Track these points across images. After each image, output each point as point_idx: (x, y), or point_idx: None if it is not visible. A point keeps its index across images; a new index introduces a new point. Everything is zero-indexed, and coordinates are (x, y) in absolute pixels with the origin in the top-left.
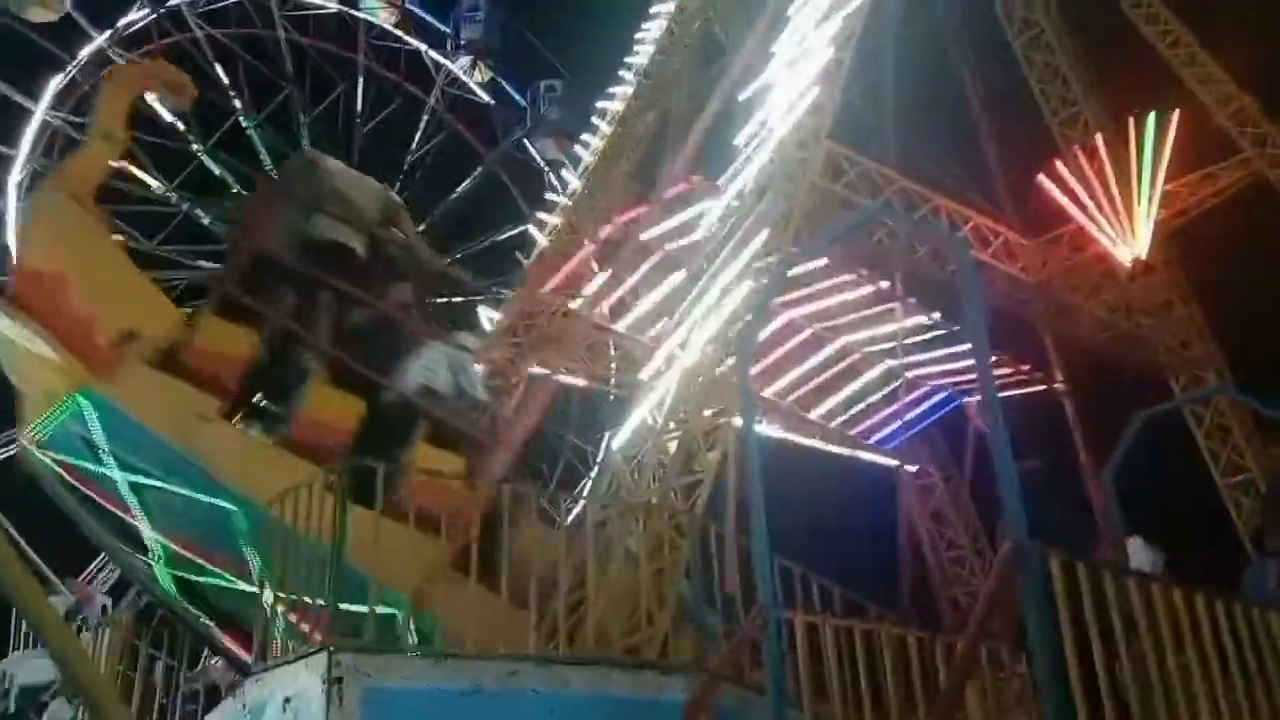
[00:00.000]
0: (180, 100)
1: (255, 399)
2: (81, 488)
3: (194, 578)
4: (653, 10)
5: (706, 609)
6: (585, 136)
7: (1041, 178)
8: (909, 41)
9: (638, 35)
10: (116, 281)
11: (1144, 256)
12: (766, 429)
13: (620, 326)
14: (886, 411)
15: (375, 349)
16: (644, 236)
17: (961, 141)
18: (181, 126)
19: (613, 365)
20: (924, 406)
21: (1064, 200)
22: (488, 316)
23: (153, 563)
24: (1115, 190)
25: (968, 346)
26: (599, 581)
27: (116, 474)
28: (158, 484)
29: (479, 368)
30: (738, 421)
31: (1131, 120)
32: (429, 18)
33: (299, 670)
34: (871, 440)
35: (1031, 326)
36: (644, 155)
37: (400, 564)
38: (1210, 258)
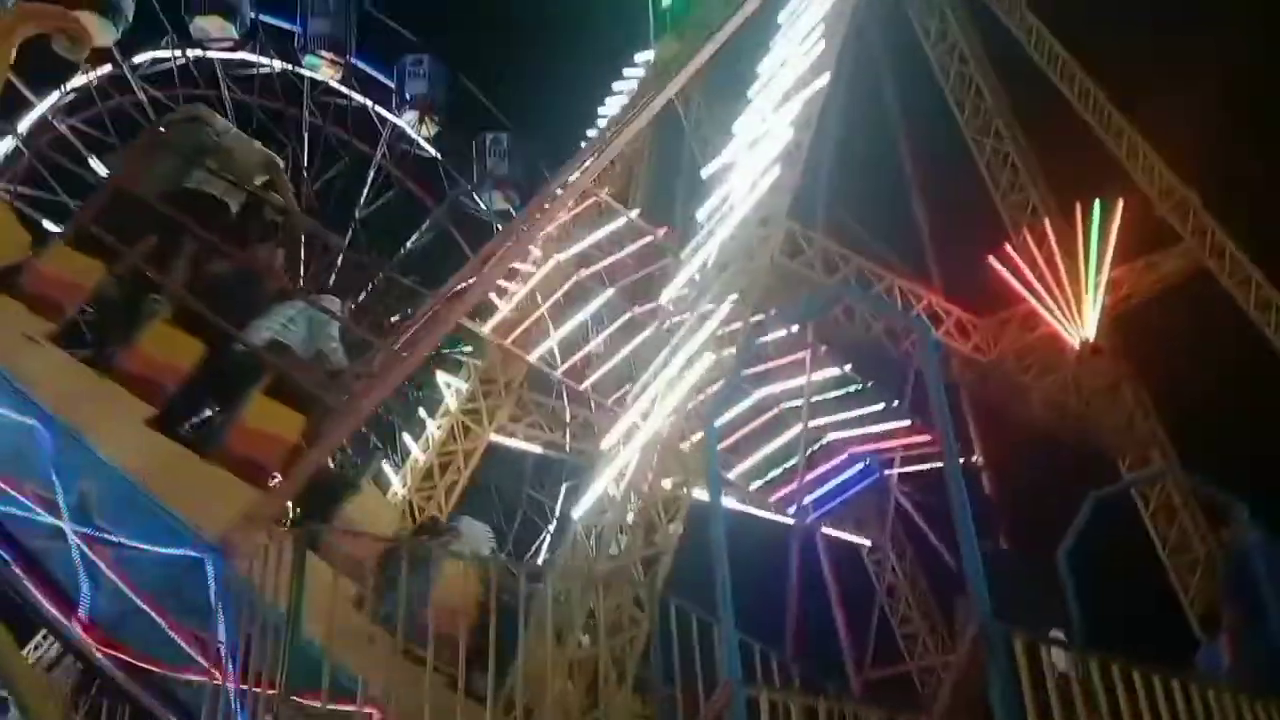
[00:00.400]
0: (76, 50)
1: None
2: None
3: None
4: (615, 86)
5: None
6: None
7: (992, 260)
8: (858, 120)
9: (600, 110)
10: None
11: (1091, 339)
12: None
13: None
14: (808, 478)
15: (233, 300)
16: (558, 257)
17: (912, 222)
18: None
19: (567, 433)
20: (844, 476)
21: (1014, 282)
22: (445, 381)
23: None
24: (1064, 274)
25: (880, 407)
26: (557, 656)
27: None
28: None
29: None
30: (699, 494)
31: (1079, 206)
32: (374, 72)
33: None
34: (796, 506)
35: (950, 392)
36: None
37: (202, 498)
38: (1155, 343)
